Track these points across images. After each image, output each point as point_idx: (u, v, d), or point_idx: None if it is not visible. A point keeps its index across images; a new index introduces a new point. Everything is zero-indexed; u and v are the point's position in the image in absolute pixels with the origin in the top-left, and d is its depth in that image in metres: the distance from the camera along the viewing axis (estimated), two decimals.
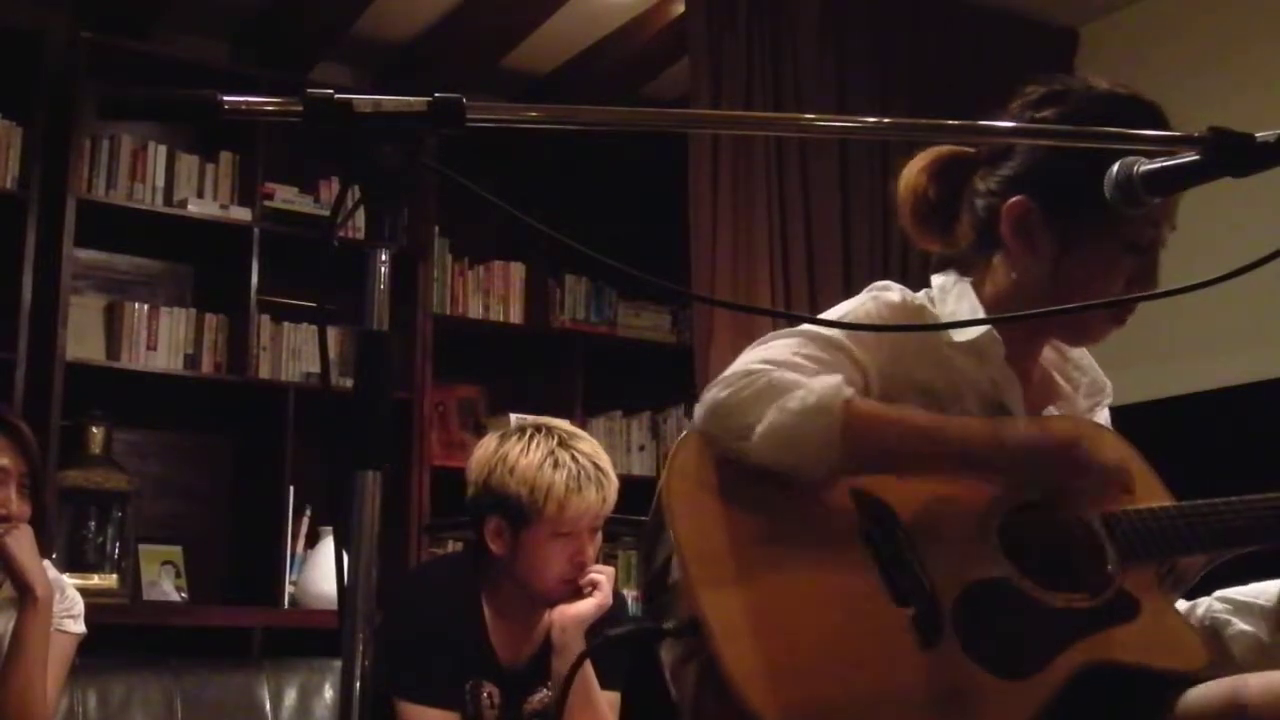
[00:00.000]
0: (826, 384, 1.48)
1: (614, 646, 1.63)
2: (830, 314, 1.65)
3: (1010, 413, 1.62)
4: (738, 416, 1.49)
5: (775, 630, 1.41)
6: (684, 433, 1.60)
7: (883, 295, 1.66)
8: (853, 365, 1.57)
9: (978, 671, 1.42)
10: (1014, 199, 1.60)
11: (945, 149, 1.72)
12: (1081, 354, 1.77)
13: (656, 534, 1.51)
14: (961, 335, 1.60)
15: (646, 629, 1.52)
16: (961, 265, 1.69)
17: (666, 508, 1.48)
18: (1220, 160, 1.20)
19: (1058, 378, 1.74)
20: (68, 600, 2.54)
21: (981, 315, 1.62)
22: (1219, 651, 1.60)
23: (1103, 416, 1.74)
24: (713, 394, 1.52)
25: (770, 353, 1.56)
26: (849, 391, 1.49)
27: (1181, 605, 1.66)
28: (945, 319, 1.63)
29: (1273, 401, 3.88)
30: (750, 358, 1.56)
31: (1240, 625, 1.61)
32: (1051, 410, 1.68)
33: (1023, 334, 1.65)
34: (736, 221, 4.17)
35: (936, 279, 1.70)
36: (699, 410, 1.54)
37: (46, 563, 2.50)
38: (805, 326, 1.62)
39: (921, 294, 1.70)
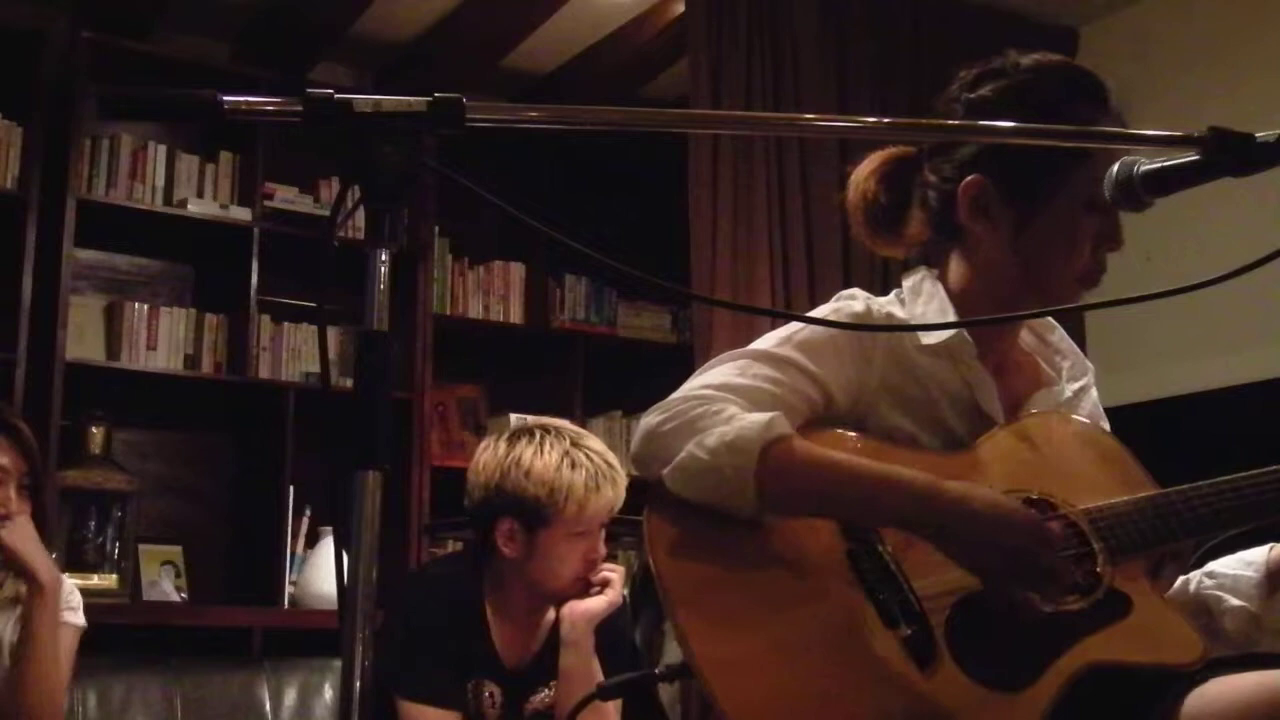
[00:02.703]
0: (750, 423, 1.45)
1: (620, 685, 1.65)
2: (793, 328, 1.63)
3: (985, 412, 1.61)
4: (660, 446, 1.48)
5: (769, 664, 1.40)
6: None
7: (847, 306, 1.65)
8: (808, 381, 1.57)
9: (974, 688, 1.41)
10: (968, 179, 1.61)
11: (890, 151, 1.73)
12: (1061, 337, 1.78)
13: (644, 561, 1.51)
14: (930, 338, 1.60)
15: (643, 675, 1.52)
16: (930, 261, 1.70)
17: (649, 549, 1.47)
18: (1220, 160, 1.20)
19: (1042, 364, 1.73)
20: (64, 591, 2.54)
21: (951, 312, 1.62)
22: (1211, 628, 1.59)
23: (1091, 398, 1.74)
24: (646, 420, 1.51)
25: (715, 376, 1.55)
26: (779, 431, 1.45)
27: (1175, 584, 1.65)
28: (914, 321, 1.63)
29: (1273, 401, 3.88)
30: (694, 383, 1.55)
31: (1230, 601, 1.61)
32: (1038, 398, 1.67)
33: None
34: (736, 221, 4.17)
35: (907, 280, 1.70)
36: (636, 435, 1.54)
37: None
38: (756, 345, 1.61)
39: (890, 296, 1.70)
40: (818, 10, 4.39)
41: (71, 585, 2.61)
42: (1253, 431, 3.85)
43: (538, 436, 2.40)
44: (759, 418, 1.46)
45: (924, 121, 1.55)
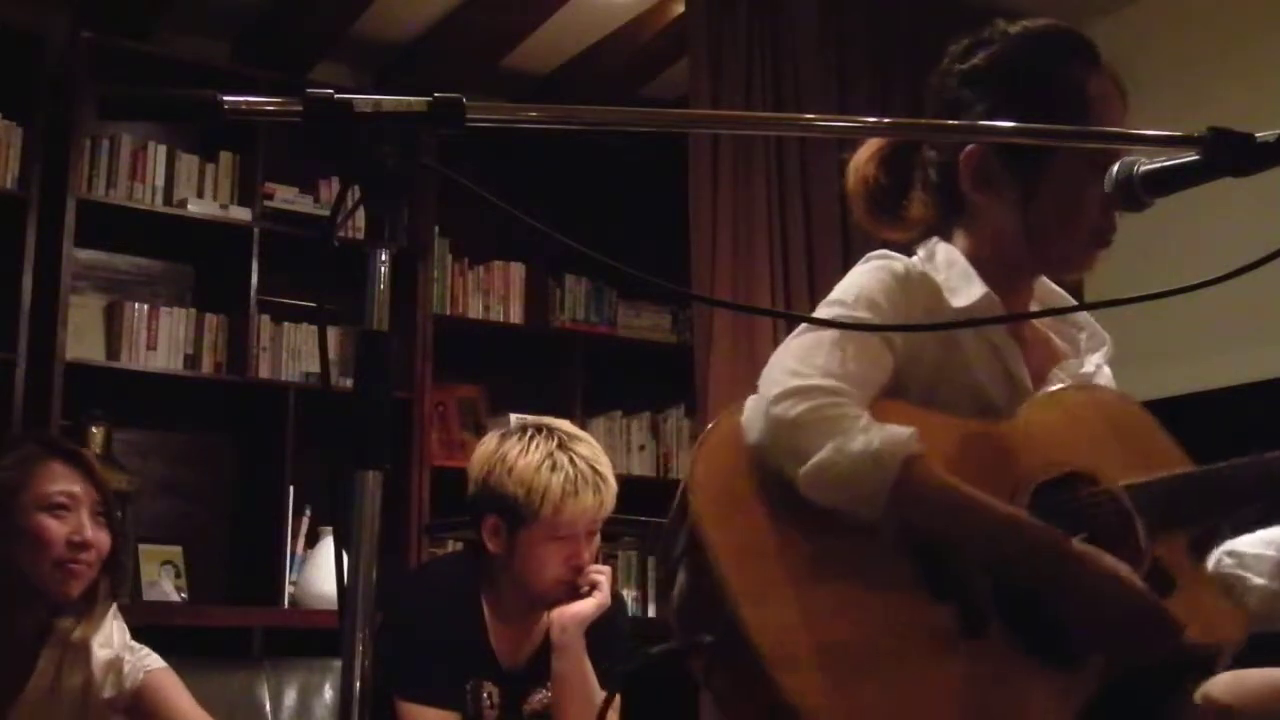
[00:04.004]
0: (892, 436, 1.43)
1: (652, 662, 1.60)
2: (840, 292, 1.60)
3: (1016, 377, 1.60)
4: (799, 440, 1.44)
5: (820, 637, 1.40)
6: (710, 427, 1.55)
7: (888, 266, 1.61)
8: (890, 354, 1.55)
9: (1024, 660, 1.42)
10: (968, 149, 1.60)
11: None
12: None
13: (677, 528, 1.48)
14: (962, 300, 1.58)
15: (685, 644, 1.48)
16: (940, 234, 1.69)
17: (696, 512, 1.45)
18: (1220, 160, 1.20)
19: (1055, 338, 1.72)
20: (139, 650, 2.35)
21: (974, 275, 1.59)
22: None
23: (1107, 373, 1.73)
24: (780, 407, 1.45)
25: (820, 358, 1.49)
26: (915, 448, 1.43)
27: None
28: (941, 282, 1.61)
29: (1273, 401, 3.88)
30: (802, 363, 1.49)
31: (1252, 579, 1.61)
32: (1058, 371, 1.66)
33: (1009, 286, 1.63)
34: (736, 221, 4.17)
35: (921, 249, 1.68)
36: (759, 416, 1.47)
37: (113, 609, 2.33)
38: (832, 314, 1.57)
39: (915, 260, 1.68)
40: (818, 10, 4.39)
41: (121, 636, 2.35)
42: (1253, 431, 3.85)
43: (528, 435, 2.39)
44: (900, 432, 1.44)
45: (924, 121, 1.56)
